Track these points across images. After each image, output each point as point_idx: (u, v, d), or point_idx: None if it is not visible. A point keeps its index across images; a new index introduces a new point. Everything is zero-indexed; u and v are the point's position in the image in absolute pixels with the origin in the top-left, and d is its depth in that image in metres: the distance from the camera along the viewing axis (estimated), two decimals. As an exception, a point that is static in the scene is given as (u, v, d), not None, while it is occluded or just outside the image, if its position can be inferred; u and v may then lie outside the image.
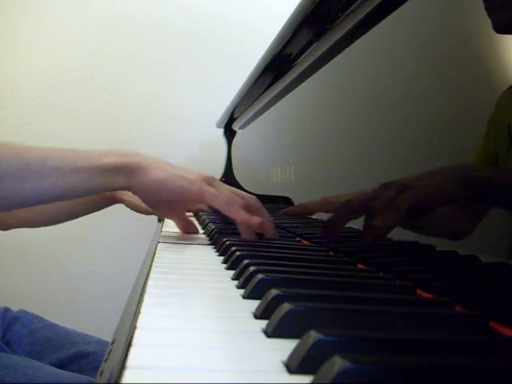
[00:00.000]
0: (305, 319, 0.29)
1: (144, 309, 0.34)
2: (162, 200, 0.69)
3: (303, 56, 0.87)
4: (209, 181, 0.66)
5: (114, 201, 1.15)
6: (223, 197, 0.63)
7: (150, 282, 0.42)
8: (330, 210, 0.77)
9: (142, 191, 0.65)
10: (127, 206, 1.16)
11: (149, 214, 1.15)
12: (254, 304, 0.35)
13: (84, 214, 1.20)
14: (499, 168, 0.40)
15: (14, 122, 1.78)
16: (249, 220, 0.63)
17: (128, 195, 1.11)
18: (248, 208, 0.65)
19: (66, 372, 0.86)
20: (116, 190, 0.64)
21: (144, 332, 0.29)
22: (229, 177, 1.58)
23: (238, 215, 0.62)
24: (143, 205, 1.11)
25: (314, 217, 0.82)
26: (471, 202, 0.42)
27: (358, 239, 0.56)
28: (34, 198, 0.60)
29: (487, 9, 0.41)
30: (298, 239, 0.76)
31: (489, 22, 0.41)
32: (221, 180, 1.57)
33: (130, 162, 0.62)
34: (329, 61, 0.77)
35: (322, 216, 0.78)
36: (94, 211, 1.19)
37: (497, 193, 0.39)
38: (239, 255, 0.51)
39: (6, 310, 1.05)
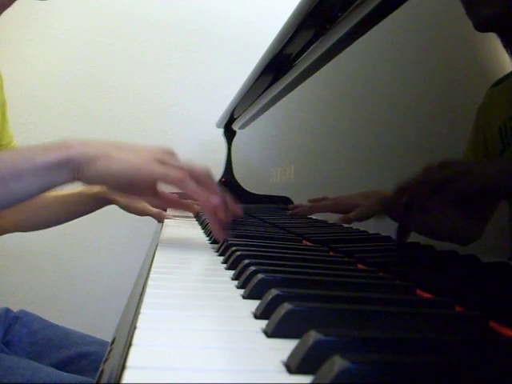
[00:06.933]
0: (305, 319, 0.29)
1: (144, 309, 0.34)
2: (115, 189, 0.67)
3: (303, 56, 0.87)
4: (161, 156, 0.63)
5: (107, 202, 1.13)
6: (176, 174, 0.60)
7: (149, 282, 0.42)
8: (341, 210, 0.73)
9: (90, 183, 0.63)
10: (120, 207, 1.14)
11: (142, 215, 1.13)
12: (253, 304, 0.35)
13: (75, 217, 1.18)
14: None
15: (14, 121, 1.78)
16: (208, 200, 0.60)
17: (120, 196, 1.10)
18: (200, 183, 0.63)
19: (66, 373, 0.86)
20: (64, 184, 0.61)
21: (144, 332, 0.29)
22: (229, 177, 1.58)
23: (196, 192, 0.60)
24: (136, 205, 1.11)
25: (313, 217, 0.82)
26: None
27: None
28: None
29: (467, 9, 0.42)
30: (298, 239, 0.76)
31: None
32: (221, 180, 1.57)
33: (75, 155, 0.59)
34: (329, 61, 0.77)
35: (322, 216, 0.78)
36: (86, 213, 1.18)
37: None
38: (239, 255, 0.51)
39: (7, 311, 1.05)
